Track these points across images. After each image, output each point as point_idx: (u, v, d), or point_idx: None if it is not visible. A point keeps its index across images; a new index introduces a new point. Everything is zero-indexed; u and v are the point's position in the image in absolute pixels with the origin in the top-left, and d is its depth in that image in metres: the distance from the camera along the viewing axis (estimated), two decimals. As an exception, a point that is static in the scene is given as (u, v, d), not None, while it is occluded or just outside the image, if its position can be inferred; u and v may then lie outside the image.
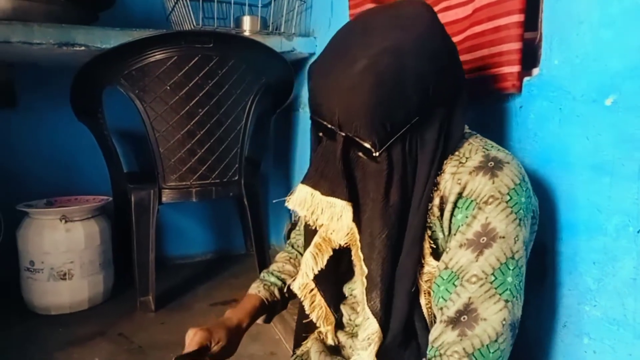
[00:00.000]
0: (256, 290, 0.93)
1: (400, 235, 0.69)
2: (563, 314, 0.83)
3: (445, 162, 0.69)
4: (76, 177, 2.30)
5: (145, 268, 1.93)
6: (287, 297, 0.96)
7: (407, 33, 0.65)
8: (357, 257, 0.72)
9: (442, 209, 0.69)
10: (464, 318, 0.63)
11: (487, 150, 0.70)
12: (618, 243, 0.73)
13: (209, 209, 2.65)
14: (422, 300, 0.70)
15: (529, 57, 0.89)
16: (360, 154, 0.68)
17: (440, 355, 0.64)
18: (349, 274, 0.83)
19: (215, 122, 1.86)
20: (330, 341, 0.85)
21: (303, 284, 0.81)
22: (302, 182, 0.71)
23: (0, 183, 1.92)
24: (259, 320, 0.94)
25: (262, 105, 2.05)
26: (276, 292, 0.93)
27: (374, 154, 0.66)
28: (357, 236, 0.70)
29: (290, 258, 0.99)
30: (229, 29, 2.04)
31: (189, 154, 1.87)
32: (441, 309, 0.66)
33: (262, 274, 0.98)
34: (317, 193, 0.69)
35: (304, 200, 0.70)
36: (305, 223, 0.80)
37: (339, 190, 0.67)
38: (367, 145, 0.65)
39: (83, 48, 1.71)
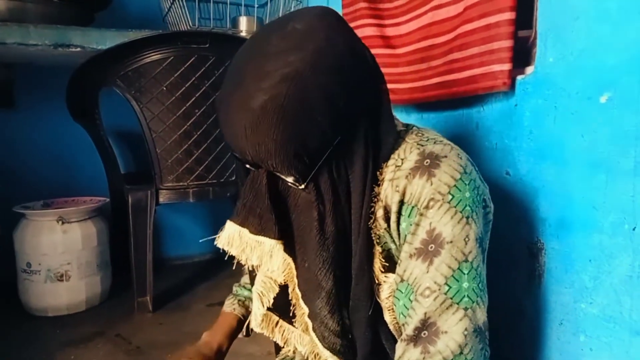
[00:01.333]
0: (231, 307, 0.91)
1: (346, 263, 0.65)
2: (559, 312, 0.83)
3: (380, 170, 0.65)
4: (73, 178, 2.29)
5: (142, 269, 1.92)
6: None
7: (302, 53, 0.58)
8: (295, 295, 0.68)
9: (387, 219, 0.65)
10: (424, 334, 0.60)
11: (422, 145, 0.65)
12: (614, 240, 0.73)
13: (206, 209, 2.65)
14: (387, 317, 0.67)
15: (523, 55, 0.89)
16: (289, 184, 0.64)
17: None
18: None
19: (212, 122, 1.86)
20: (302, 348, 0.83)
21: (259, 323, 0.76)
22: (231, 219, 0.66)
23: (-2, 185, 1.91)
24: (240, 335, 0.92)
25: (259, 105, 2.04)
26: (251, 307, 0.91)
27: (299, 187, 0.62)
28: (294, 272, 0.66)
29: None
30: (225, 30, 2.03)
31: (186, 155, 1.86)
32: (403, 325, 0.64)
33: (234, 288, 0.96)
34: (245, 231, 0.64)
35: (232, 239, 0.66)
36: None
37: (268, 227, 0.63)
38: (290, 180, 0.62)
39: (79, 49, 1.70)
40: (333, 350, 0.66)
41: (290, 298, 0.70)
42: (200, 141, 1.86)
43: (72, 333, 1.78)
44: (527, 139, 0.88)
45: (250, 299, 0.90)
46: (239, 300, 0.92)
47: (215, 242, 0.68)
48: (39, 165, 2.25)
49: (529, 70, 0.88)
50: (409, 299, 0.62)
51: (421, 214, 0.61)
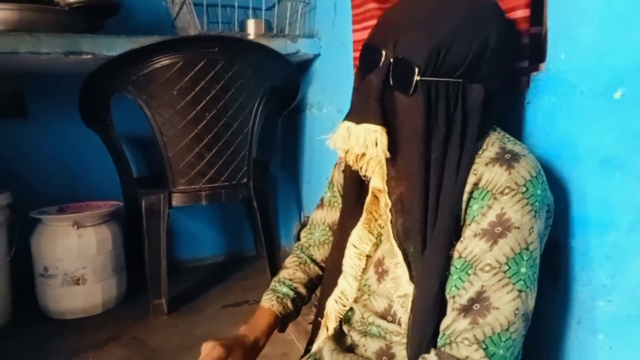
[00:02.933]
0: (269, 303, 0.90)
1: (438, 185, 0.68)
2: (577, 310, 0.82)
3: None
4: (87, 183, 2.32)
5: (157, 272, 1.94)
6: (299, 305, 0.95)
7: (493, 10, 0.71)
8: (385, 205, 0.73)
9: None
10: (476, 306, 0.63)
11: (504, 143, 0.70)
12: (631, 237, 0.73)
13: (219, 211, 2.67)
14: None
15: (535, 52, 0.88)
16: (397, 93, 0.68)
17: (451, 342, 0.64)
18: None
19: (222, 125, 1.87)
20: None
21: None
22: (342, 121, 0.71)
23: (14, 191, 1.94)
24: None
25: (268, 108, 2.05)
26: (289, 304, 0.91)
27: (415, 77, 0.65)
28: (385, 169, 0.70)
29: (300, 263, 0.97)
30: (233, 33, 2.04)
31: (198, 158, 1.88)
32: (453, 297, 0.66)
33: (273, 283, 0.95)
34: (352, 124, 0.68)
35: (342, 137, 0.69)
36: (344, 200, 0.84)
37: (373, 114, 0.66)
38: (414, 66, 0.65)
39: (90, 56, 1.72)
40: (404, 252, 0.71)
41: (379, 239, 0.78)
42: (211, 144, 1.87)
43: (89, 336, 1.81)
44: (540, 137, 0.87)
45: (288, 296, 0.92)
46: (277, 296, 0.91)
47: (326, 142, 0.73)
48: (53, 171, 2.28)
49: (541, 67, 0.87)
50: (467, 273, 0.65)
51: (495, 198, 0.65)
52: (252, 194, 2.04)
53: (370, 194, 0.77)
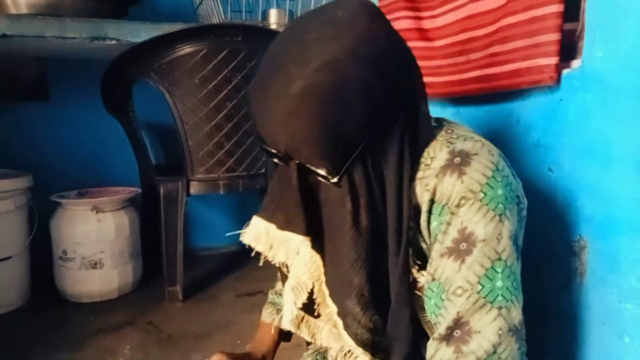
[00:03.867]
0: (270, 318, 0.89)
1: (380, 261, 0.63)
2: (602, 313, 0.81)
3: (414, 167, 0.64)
4: (106, 169, 2.35)
5: (173, 259, 1.96)
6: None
7: (344, 40, 0.57)
8: (321, 294, 0.65)
9: (417, 218, 0.64)
10: (456, 333, 0.59)
11: (452, 143, 0.64)
12: (663, 241, 0.71)
13: (235, 201, 2.68)
14: (421, 317, 0.67)
15: (569, 48, 0.87)
16: (319, 177, 0.61)
17: None
18: None
19: (242, 115, 1.88)
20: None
21: (292, 320, 0.71)
22: (257, 215, 0.65)
23: (35, 174, 1.97)
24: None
25: (288, 98, 2.05)
26: None
27: (331, 181, 0.60)
28: (322, 270, 0.64)
29: None
30: (257, 22, 2.04)
31: (217, 147, 1.88)
32: (435, 324, 0.63)
33: (270, 296, 0.94)
34: (272, 227, 0.63)
35: (258, 236, 0.64)
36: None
37: (295, 222, 0.61)
38: (322, 173, 0.59)
39: (114, 42, 1.73)
40: (366, 347, 0.65)
41: (314, 297, 0.67)
42: (231, 134, 1.88)
43: (105, 319, 1.83)
44: (571, 136, 0.86)
45: None
46: (277, 309, 0.90)
47: (240, 238, 0.67)
48: (73, 155, 2.31)
49: (576, 64, 0.85)
50: (441, 298, 0.61)
51: (452, 213, 0.60)
52: (269, 185, 2.04)
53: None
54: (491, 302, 0.58)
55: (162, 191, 1.95)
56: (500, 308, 0.58)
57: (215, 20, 1.96)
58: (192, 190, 1.94)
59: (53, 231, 1.99)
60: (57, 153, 2.28)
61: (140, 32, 1.73)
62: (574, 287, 0.85)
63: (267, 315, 0.90)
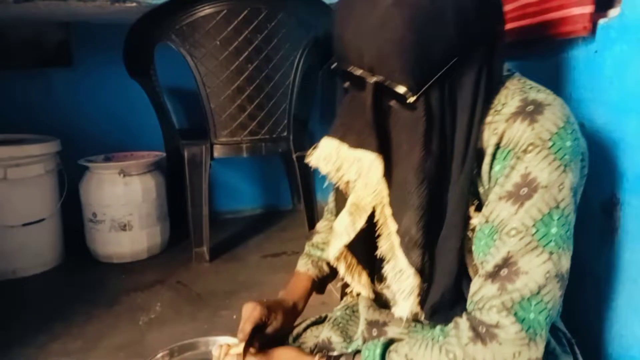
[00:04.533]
0: (305, 268, 0.90)
1: (441, 190, 0.64)
2: (634, 270, 0.80)
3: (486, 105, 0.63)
4: (131, 134, 2.38)
5: (199, 221, 2.00)
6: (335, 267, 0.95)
7: None
8: (382, 216, 0.66)
9: (479, 163, 0.64)
10: (503, 272, 0.59)
11: (525, 92, 0.63)
12: (701, 196, 0.69)
13: (257, 165, 2.70)
14: (467, 260, 0.67)
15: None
16: (392, 103, 0.62)
17: (479, 309, 0.60)
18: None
19: (264, 77, 1.86)
20: (365, 294, 0.83)
21: (339, 249, 0.74)
22: (327, 136, 0.65)
23: (62, 139, 2.01)
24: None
25: (310, 60, 2.02)
26: (325, 267, 0.90)
27: (408, 101, 0.59)
28: (386, 192, 0.65)
29: (331, 227, 0.97)
30: (276, -19, 1.99)
31: (239, 110, 1.88)
32: (481, 263, 0.63)
33: (307, 248, 0.95)
34: (343, 146, 0.63)
35: (328, 155, 0.64)
36: (335, 187, 0.75)
37: (368, 141, 0.62)
38: (402, 91, 0.59)
39: (135, 4, 1.72)
40: (417, 269, 0.66)
41: (376, 220, 0.69)
42: (253, 96, 1.87)
43: (136, 279, 1.90)
44: (607, 89, 0.83)
45: (323, 260, 0.90)
46: (312, 260, 0.91)
47: (307, 160, 0.68)
48: (98, 120, 2.35)
49: (613, 13, 0.81)
50: (492, 239, 0.61)
51: (518, 158, 0.60)
52: (292, 148, 2.05)
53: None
54: (543, 246, 0.59)
55: (186, 155, 1.97)
56: (551, 253, 0.59)
57: (235, -21, 1.92)
58: (216, 154, 1.95)
59: (82, 194, 2.04)
60: (83, 118, 2.32)
61: (160, -6, 1.71)
62: (605, 246, 0.84)
63: (302, 265, 0.92)
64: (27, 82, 2.24)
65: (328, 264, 0.91)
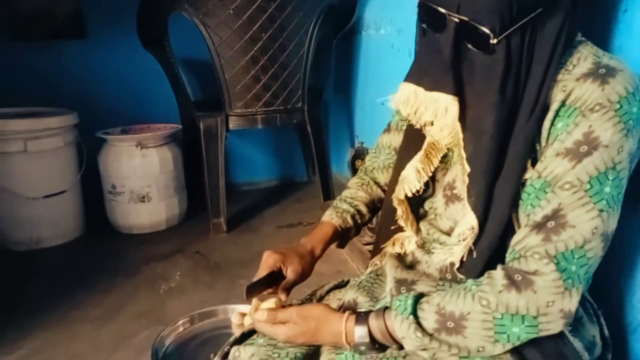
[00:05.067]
0: (329, 217, 0.92)
1: (508, 137, 0.65)
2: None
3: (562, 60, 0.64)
4: (146, 106, 2.38)
5: (216, 192, 2.02)
6: (359, 223, 0.95)
7: None
8: (460, 157, 0.69)
9: (542, 118, 0.65)
10: (550, 224, 0.61)
11: (599, 57, 0.64)
12: None
13: (272, 136, 2.70)
14: (514, 213, 0.67)
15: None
16: (470, 46, 0.63)
17: (520, 257, 0.62)
18: (427, 190, 0.82)
19: (278, 47, 1.84)
20: (412, 246, 0.84)
21: (398, 196, 0.78)
22: (405, 80, 0.68)
23: (79, 112, 2.02)
24: (332, 245, 0.95)
25: (324, 29, 1.99)
26: (349, 219, 0.92)
27: (491, 41, 0.60)
28: (461, 135, 0.67)
29: (363, 184, 0.97)
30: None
31: (254, 81, 1.87)
32: (528, 215, 0.64)
33: (335, 202, 0.96)
34: (420, 89, 0.65)
35: (406, 99, 0.67)
36: (407, 128, 0.79)
37: (444, 83, 0.63)
38: (486, 30, 0.60)
39: (147, -27, 1.70)
40: (474, 209, 0.68)
41: (452, 162, 0.75)
42: (267, 67, 1.85)
43: (155, 249, 1.94)
44: (637, 49, 0.80)
45: (348, 212, 0.92)
46: (337, 211, 0.92)
47: (389, 104, 0.70)
48: (113, 93, 2.35)
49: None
50: (544, 191, 0.62)
51: (584, 116, 0.61)
52: (307, 119, 2.04)
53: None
54: (594, 203, 0.60)
55: (201, 127, 1.98)
56: (601, 210, 0.60)
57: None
58: (231, 126, 1.95)
59: (101, 167, 2.07)
60: (98, 91, 2.32)
61: (172, -39, 1.68)
62: (631, 211, 0.83)
63: (327, 215, 0.93)
64: (40, 54, 2.25)
65: (352, 217, 0.92)
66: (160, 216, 2.10)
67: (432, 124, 0.68)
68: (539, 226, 0.62)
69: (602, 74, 0.61)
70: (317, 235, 0.90)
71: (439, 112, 0.65)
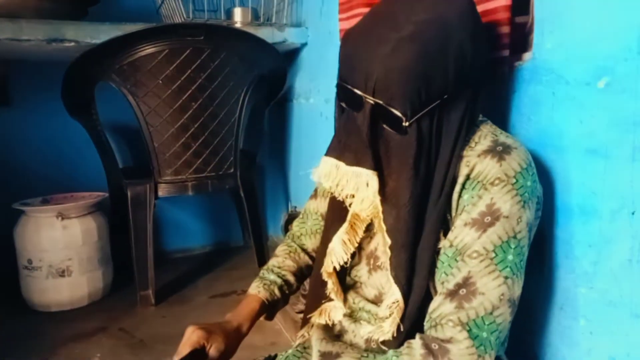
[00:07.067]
0: (256, 290, 0.91)
1: (422, 209, 0.70)
2: (560, 297, 0.84)
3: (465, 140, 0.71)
4: (71, 174, 2.29)
5: (144, 262, 1.93)
6: (287, 293, 0.94)
7: (453, 6, 0.68)
8: (380, 228, 0.73)
9: (451, 190, 0.71)
10: (462, 291, 0.65)
11: (496, 136, 0.72)
12: (613, 225, 0.74)
13: (206, 202, 2.65)
14: (430, 282, 0.72)
15: (520, 41, 0.89)
16: (385, 126, 0.68)
17: (436, 325, 0.66)
18: (353, 259, 0.83)
19: (209, 115, 1.86)
20: (338, 316, 0.83)
21: (338, 262, 0.79)
22: (326, 155, 0.72)
23: (-4, 182, 1.91)
24: (261, 318, 0.93)
25: (255, 97, 2.04)
26: (276, 291, 0.91)
27: (404, 124, 0.66)
28: (380, 207, 0.71)
29: (290, 252, 0.97)
30: (220, 21, 2.02)
31: (184, 148, 1.86)
32: (442, 283, 0.68)
33: (261, 272, 0.95)
34: (341, 164, 0.69)
35: (329, 173, 0.71)
36: (330, 202, 0.82)
37: (364, 159, 0.68)
38: (398, 114, 0.65)
39: (73, 44, 1.69)
40: (397, 282, 0.71)
41: (374, 231, 0.78)
42: (197, 134, 1.86)
43: (75, 328, 1.79)
44: (525, 126, 0.88)
45: (276, 283, 0.91)
46: (264, 283, 0.91)
47: (312, 177, 0.74)
48: (37, 161, 2.25)
49: (527, 56, 0.87)
50: (455, 260, 0.67)
51: (485, 189, 0.67)
52: (239, 184, 2.03)
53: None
54: (500, 271, 0.65)
55: (129, 194, 1.92)
56: (506, 278, 0.65)
57: (177, 19, 1.93)
58: (160, 193, 1.91)
59: (17, 240, 1.93)
60: (19, 158, 2.21)
61: (99, 34, 1.69)
62: (535, 275, 0.88)
63: (253, 287, 0.92)
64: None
65: (280, 288, 0.92)
66: (82, 291, 1.97)
67: (352, 196, 0.71)
68: (452, 294, 0.66)
69: (499, 151, 0.68)
70: (244, 311, 0.88)
71: (360, 186, 0.69)
